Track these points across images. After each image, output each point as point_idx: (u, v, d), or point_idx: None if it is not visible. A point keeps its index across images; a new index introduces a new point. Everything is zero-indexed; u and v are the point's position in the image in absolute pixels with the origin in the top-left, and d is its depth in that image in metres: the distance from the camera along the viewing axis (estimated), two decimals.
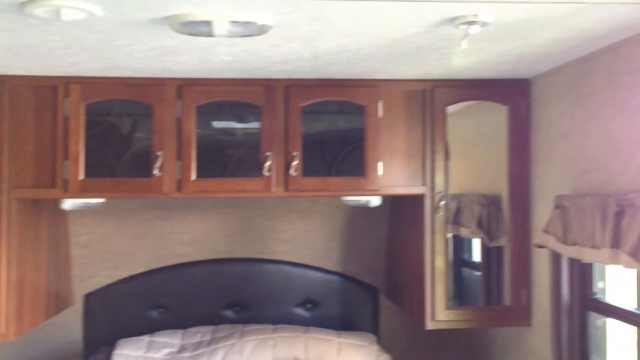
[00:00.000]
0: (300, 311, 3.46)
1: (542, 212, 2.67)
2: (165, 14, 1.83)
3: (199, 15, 1.82)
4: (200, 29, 1.89)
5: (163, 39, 2.07)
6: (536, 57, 2.40)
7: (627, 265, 1.93)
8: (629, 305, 2.35)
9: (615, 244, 2.00)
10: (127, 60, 2.38)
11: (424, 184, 2.83)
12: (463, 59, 2.36)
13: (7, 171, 2.65)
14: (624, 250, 1.94)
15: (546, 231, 2.41)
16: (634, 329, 2.34)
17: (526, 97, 2.82)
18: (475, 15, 1.83)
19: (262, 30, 1.94)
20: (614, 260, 2.01)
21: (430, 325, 2.82)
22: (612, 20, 1.91)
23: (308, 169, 2.78)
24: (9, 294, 2.65)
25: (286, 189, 2.77)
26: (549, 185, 2.63)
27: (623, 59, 2.13)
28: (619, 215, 2.00)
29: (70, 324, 3.40)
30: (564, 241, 2.31)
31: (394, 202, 3.45)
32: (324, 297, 3.48)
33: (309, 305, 3.47)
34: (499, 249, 2.94)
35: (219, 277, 3.46)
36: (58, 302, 3.20)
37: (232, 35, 1.95)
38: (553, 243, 2.36)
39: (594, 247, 2.11)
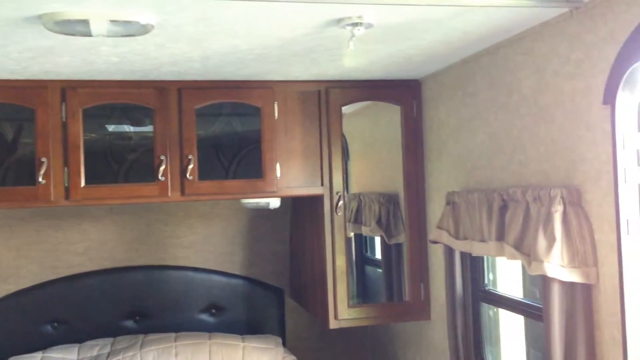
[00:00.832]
0: (204, 317, 3.39)
1: (436, 208, 2.75)
2: (38, 13, 1.72)
3: (75, 13, 1.73)
4: (76, 28, 1.80)
5: (38, 38, 1.96)
6: (423, 58, 2.46)
7: (511, 257, 2.02)
8: (517, 295, 2.47)
9: (500, 236, 2.09)
10: (2, 61, 2.23)
11: (322, 184, 2.85)
12: (353, 60, 2.38)
13: None
14: (508, 242, 2.02)
15: (439, 227, 2.48)
16: (522, 317, 2.46)
17: (417, 97, 2.89)
18: (360, 17, 1.85)
19: (144, 30, 1.87)
20: (500, 253, 2.09)
21: (333, 324, 2.83)
22: (489, 22, 1.99)
23: (204, 173, 2.73)
24: None
25: (183, 193, 2.70)
26: (441, 182, 2.72)
27: (502, 60, 2.22)
28: (503, 209, 2.09)
29: None
30: (456, 236, 2.39)
31: (294, 204, 3.45)
32: (229, 302, 3.43)
33: (213, 311, 3.40)
34: (399, 246, 3.00)
35: (118, 286, 3.32)
36: None
37: (112, 35, 1.87)
38: (446, 238, 2.44)
39: (482, 240, 2.20)
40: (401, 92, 2.89)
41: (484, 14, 1.90)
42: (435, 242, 2.55)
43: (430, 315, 2.85)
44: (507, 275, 2.54)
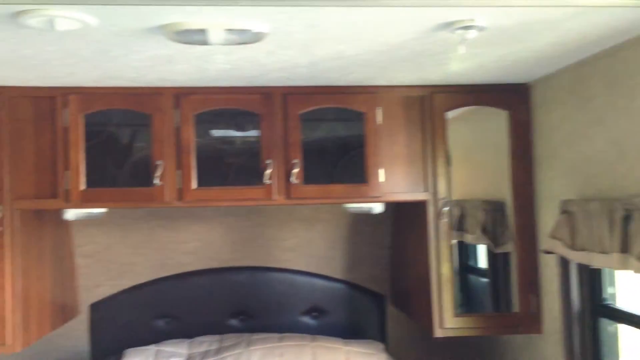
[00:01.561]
0: (306, 319, 3.43)
1: (547, 217, 2.63)
2: (160, 23, 1.82)
3: (194, 24, 1.81)
4: (195, 37, 1.88)
5: (158, 48, 2.06)
6: (534, 62, 2.37)
7: (638, 271, 1.89)
8: None
9: (624, 248, 1.97)
10: (124, 70, 2.37)
11: (426, 190, 2.80)
12: (460, 64, 2.33)
13: (8, 182, 2.66)
14: (633, 254, 1.90)
15: (553, 236, 2.37)
16: None
17: (526, 101, 2.78)
18: (472, 20, 1.80)
19: (257, 37, 1.93)
20: (624, 266, 1.97)
21: (438, 333, 2.78)
22: (609, 23, 1.88)
23: (309, 177, 2.76)
24: (14, 305, 2.65)
25: (288, 196, 2.75)
26: (553, 190, 2.59)
27: (622, 62, 2.09)
28: (627, 219, 1.97)
29: (76, 334, 3.40)
30: (572, 246, 2.27)
31: (397, 209, 3.42)
32: (330, 305, 3.46)
33: (314, 314, 3.44)
34: (506, 255, 2.90)
35: (224, 285, 3.44)
36: (64, 313, 3.20)
37: (228, 43, 1.94)
38: (561, 249, 2.32)
39: (602, 252, 2.08)
40: (509, 97, 2.79)
41: (604, 14, 1.80)
42: (548, 253, 2.44)
43: (542, 328, 2.73)
44: (629, 289, 2.38)
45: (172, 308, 3.40)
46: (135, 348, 3.14)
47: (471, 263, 3.17)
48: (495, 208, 2.89)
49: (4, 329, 2.63)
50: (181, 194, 2.71)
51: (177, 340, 3.26)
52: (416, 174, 2.81)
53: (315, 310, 3.45)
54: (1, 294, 2.63)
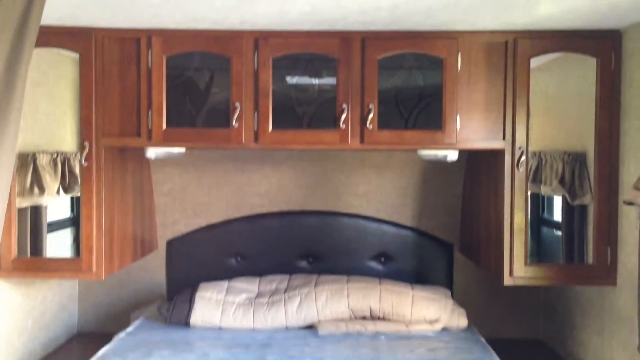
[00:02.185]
0: (373, 264, 3.49)
1: (631, 169, 2.55)
2: None
3: None
4: None
5: None
6: (630, 5, 2.24)
7: None
8: None
9: None
10: (207, 12, 2.40)
11: (504, 138, 2.75)
12: (551, 7, 2.24)
13: (95, 120, 2.78)
14: None
15: (637, 187, 2.30)
16: None
17: (617, 49, 2.66)
18: None
19: None
20: None
21: (508, 281, 2.77)
22: None
23: (384, 122, 2.76)
24: (100, 236, 2.81)
25: (362, 141, 2.76)
26: (639, 141, 2.50)
27: None
28: None
29: (154, 268, 3.59)
30: None
31: (470, 158, 3.38)
32: (398, 252, 3.50)
33: (382, 259, 3.50)
34: (582, 208, 2.83)
35: (294, 228, 3.53)
36: (143, 247, 3.37)
37: None
38: None
39: None
40: (599, 44, 2.67)
41: None
42: (630, 204, 2.37)
43: (616, 281, 2.68)
44: None
45: (243, 248, 3.52)
46: (209, 282, 3.28)
47: (545, 216, 3.12)
48: (575, 159, 2.82)
49: (90, 258, 2.79)
50: (257, 136, 2.77)
51: (248, 277, 3.39)
52: (494, 122, 2.76)
53: (383, 256, 3.50)
54: (88, 225, 2.79)
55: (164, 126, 2.76)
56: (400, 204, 3.56)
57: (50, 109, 2.85)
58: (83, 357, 2.74)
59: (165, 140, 2.77)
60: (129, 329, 3.08)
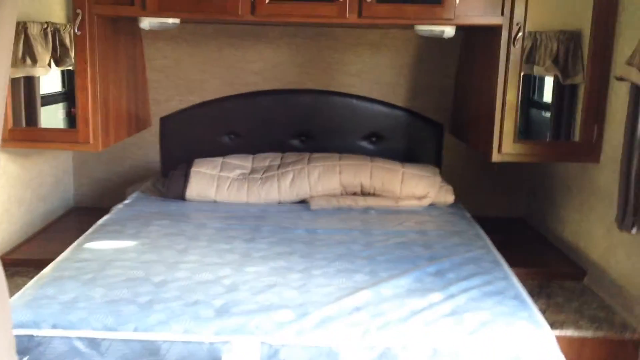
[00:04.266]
0: (365, 144, 3.56)
1: (625, 47, 2.56)
2: None
3: None
4: None
5: None
6: None
7: None
8: None
9: None
10: None
11: (502, 14, 2.73)
12: None
13: None
14: None
15: (629, 63, 2.32)
16: None
17: None
18: None
19: None
20: None
21: (496, 157, 2.85)
22: None
23: None
24: (95, 108, 2.81)
25: (360, 15, 2.72)
26: (636, 18, 2.49)
27: None
28: None
29: (148, 144, 3.63)
30: None
31: (466, 37, 3.36)
32: (389, 132, 3.55)
33: (373, 139, 3.56)
34: (573, 88, 2.87)
35: (287, 107, 3.55)
36: (137, 122, 3.39)
37: None
38: (635, 75, 2.28)
39: None
40: None
41: None
42: (621, 79, 2.41)
43: (600, 158, 2.77)
44: None
45: (237, 125, 3.55)
46: (203, 158, 3.33)
47: (536, 98, 3.16)
48: (570, 38, 2.81)
49: (87, 129, 2.81)
50: (254, 7, 2.72)
51: (242, 155, 3.45)
52: None
53: (374, 136, 3.56)
54: (84, 95, 2.78)
55: None
56: (393, 84, 3.57)
57: None
58: (81, 228, 2.82)
59: (160, 10, 2.71)
60: (127, 201, 3.16)
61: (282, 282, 2.21)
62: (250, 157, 3.42)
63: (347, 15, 2.72)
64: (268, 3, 2.71)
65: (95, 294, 2.09)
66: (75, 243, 2.55)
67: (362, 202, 3.16)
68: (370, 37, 3.50)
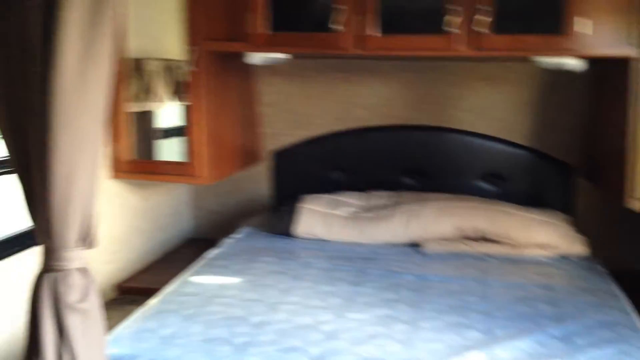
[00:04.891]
0: (483, 184, 3.33)
1: None
2: None
3: None
4: None
5: None
6: None
7: None
8: None
9: None
10: None
11: (634, 45, 2.46)
12: None
13: (200, 25, 2.76)
14: None
15: None
16: None
17: None
18: None
19: None
20: None
21: (631, 203, 2.53)
22: None
23: (499, 26, 2.53)
24: (208, 142, 2.86)
25: (474, 47, 2.57)
26: None
27: None
28: None
29: (260, 178, 3.63)
30: None
31: (595, 69, 3.07)
32: (510, 172, 3.30)
33: (492, 179, 3.32)
34: None
35: (399, 143, 3.42)
36: (249, 156, 3.43)
37: None
38: None
39: None
40: None
41: None
42: None
43: None
44: None
45: (347, 161, 3.47)
46: (313, 195, 3.27)
47: None
48: None
49: (199, 162, 2.87)
50: (361, 41, 2.66)
51: (352, 192, 3.33)
52: (627, 26, 2.47)
53: (493, 176, 3.32)
54: (197, 130, 2.84)
55: (266, 30, 2.71)
56: (513, 121, 3.33)
57: (157, 15, 2.88)
58: (195, 259, 2.87)
59: (270, 45, 2.72)
60: (236, 235, 3.17)
61: (385, 333, 2.06)
62: (361, 195, 3.31)
63: (459, 48, 2.57)
64: (375, 37, 2.63)
65: (193, 330, 2.07)
66: (182, 276, 2.57)
67: (479, 248, 2.91)
68: (487, 71, 3.31)
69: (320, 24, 2.68)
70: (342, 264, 2.74)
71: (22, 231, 2.34)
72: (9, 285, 2.28)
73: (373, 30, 2.62)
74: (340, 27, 2.64)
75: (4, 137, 1.64)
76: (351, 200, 3.25)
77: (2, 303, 2.26)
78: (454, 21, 2.55)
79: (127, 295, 2.88)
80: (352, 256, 2.85)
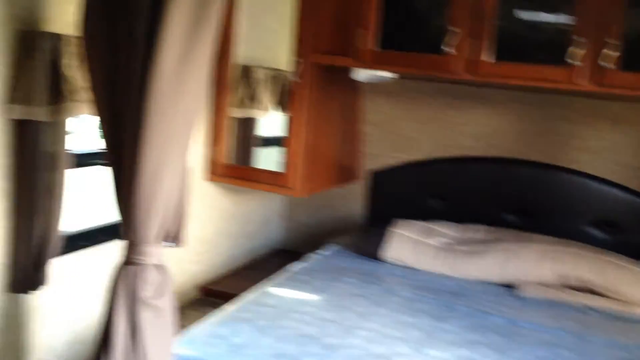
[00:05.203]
0: (593, 231, 3.06)
1: None
2: None
3: None
4: None
5: None
6: None
7: None
8: None
9: None
10: None
11: None
12: None
13: (306, 35, 2.75)
14: None
15: None
16: None
17: None
18: None
19: None
20: None
21: None
22: None
23: (629, 62, 2.32)
24: (305, 154, 2.85)
25: (597, 82, 2.36)
26: None
27: None
28: None
29: (354, 197, 3.58)
30: None
31: None
32: (627, 222, 3.00)
33: (605, 227, 3.05)
34: None
35: (505, 177, 3.23)
36: (346, 174, 3.38)
37: None
38: None
39: None
40: None
41: None
42: None
43: None
44: None
45: (446, 190, 3.33)
46: (406, 220, 3.16)
47: None
48: None
49: (294, 174, 2.85)
50: (473, 66, 2.53)
51: (448, 222, 3.19)
52: None
53: (606, 224, 3.05)
54: (295, 141, 2.83)
55: (375, 47, 2.65)
56: (637, 167, 3.05)
57: (271, 24, 2.91)
58: (278, 270, 2.86)
59: (375, 62, 2.67)
60: (322, 252, 3.12)
61: None
62: (457, 226, 3.15)
63: (581, 82, 2.38)
64: (488, 62, 2.49)
65: (264, 342, 2.04)
66: (263, 286, 2.55)
67: (582, 299, 2.66)
68: (611, 109, 3.05)
69: (432, 45, 2.60)
70: (427, 295, 2.61)
71: (111, 223, 2.42)
72: (91, 274, 2.35)
73: (487, 56, 2.49)
74: (452, 50, 2.53)
75: (102, 129, 1.69)
76: (446, 231, 3.10)
77: (82, 290, 2.34)
78: (577, 53, 2.36)
79: (209, 297, 2.91)
80: (439, 289, 2.71)
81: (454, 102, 3.34)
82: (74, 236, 2.30)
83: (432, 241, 3.01)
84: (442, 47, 2.55)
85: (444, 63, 2.56)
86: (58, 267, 2.15)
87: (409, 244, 3.00)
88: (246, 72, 2.86)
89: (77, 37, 1.76)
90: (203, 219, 3.02)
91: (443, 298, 2.59)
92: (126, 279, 1.68)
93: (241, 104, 2.90)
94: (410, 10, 2.70)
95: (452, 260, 2.91)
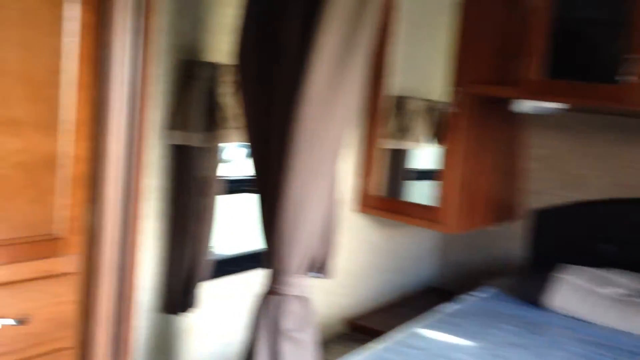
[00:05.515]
0: None
1: None
2: None
3: None
4: None
5: None
6: None
7: None
8: None
9: None
10: None
11: None
12: None
13: (465, 64, 2.64)
14: None
15: None
16: None
17: None
18: None
19: None
20: None
21: None
22: None
23: None
24: (462, 189, 2.72)
25: None
26: None
27: None
28: None
29: (513, 236, 3.35)
30: None
31: None
32: None
33: None
34: None
35: None
36: (505, 212, 3.17)
37: None
38: None
39: None
40: None
41: None
42: None
43: None
44: None
45: (622, 234, 3.01)
46: (573, 265, 2.88)
47: None
48: None
49: (449, 210, 2.74)
50: None
51: (623, 270, 2.86)
52: None
53: None
54: (451, 175, 2.72)
55: (539, 76, 2.46)
56: None
57: (426, 55, 2.85)
58: (430, 309, 2.74)
59: (542, 93, 2.49)
60: (478, 293, 2.94)
61: None
62: (635, 275, 2.82)
63: None
64: None
65: None
66: (412, 326, 2.45)
67: None
68: None
69: (606, 74, 2.39)
70: (600, 352, 2.36)
71: (258, 250, 2.43)
72: (237, 299, 2.39)
73: None
74: (631, 79, 2.28)
75: (252, 156, 1.71)
76: (622, 280, 2.79)
77: (229, 314, 2.37)
78: None
79: (355, 331, 2.85)
80: (615, 346, 2.44)
81: (630, 136, 3.03)
82: (222, 261, 2.36)
83: (605, 291, 2.73)
84: (618, 76, 2.30)
85: (623, 94, 2.33)
86: (207, 291, 2.20)
87: (579, 293, 2.73)
88: (400, 103, 2.81)
89: (232, 66, 1.81)
90: (352, 251, 2.99)
91: (618, 357, 2.33)
92: (268, 309, 1.66)
93: (393, 135, 2.85)
94: (582, 37, 2.50)
95: (630, 313, 2.61)
